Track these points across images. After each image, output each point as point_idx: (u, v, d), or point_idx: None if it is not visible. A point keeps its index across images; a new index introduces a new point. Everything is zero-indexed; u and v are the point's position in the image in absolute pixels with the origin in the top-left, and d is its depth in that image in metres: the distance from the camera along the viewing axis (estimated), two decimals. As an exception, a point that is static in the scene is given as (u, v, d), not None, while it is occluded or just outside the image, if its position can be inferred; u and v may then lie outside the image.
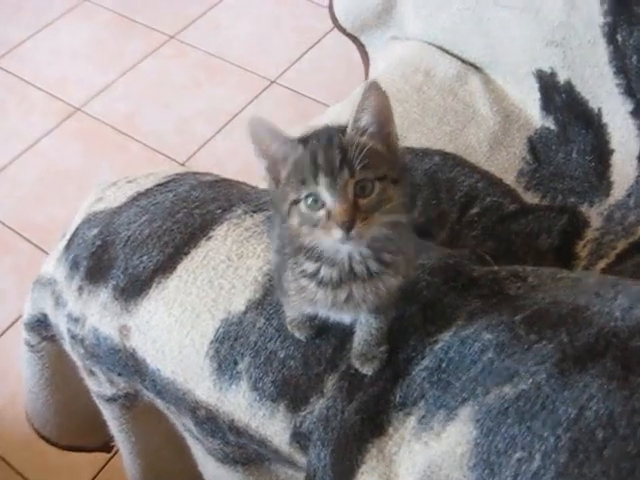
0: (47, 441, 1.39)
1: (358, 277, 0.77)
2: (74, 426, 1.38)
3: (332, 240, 0.72)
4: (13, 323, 1.91)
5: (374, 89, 0.72)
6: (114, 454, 1.61)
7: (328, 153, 0.71)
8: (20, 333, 1.83)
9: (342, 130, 0.73)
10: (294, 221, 0.74)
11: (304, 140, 0.74)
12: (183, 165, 2.24)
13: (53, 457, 1.59)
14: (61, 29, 2.76)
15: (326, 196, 0.71)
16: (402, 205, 0.74)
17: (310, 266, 0.78)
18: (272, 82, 2.49)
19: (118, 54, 2.64)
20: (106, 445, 1.46)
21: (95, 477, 1.67)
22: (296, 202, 0.73)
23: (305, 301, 0.82)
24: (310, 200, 0.72)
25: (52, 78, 2.58)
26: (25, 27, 2.76)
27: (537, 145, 1.43)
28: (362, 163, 0.70)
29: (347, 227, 0.70)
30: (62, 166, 2.29)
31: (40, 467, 1.67)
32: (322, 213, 0.71)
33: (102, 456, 1.61)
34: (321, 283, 0.78)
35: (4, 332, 1.91)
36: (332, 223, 0.71)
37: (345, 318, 0.86)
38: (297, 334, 0.92)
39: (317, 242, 0.74)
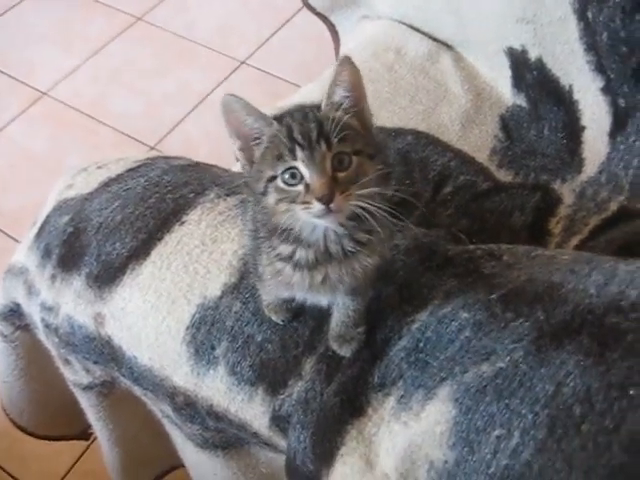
0: (24, 431, 1.38)
1: (334, 258, 0.77)
2: (51, 415, 1.37)
3: (311, 215, 0.71)
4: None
5: (347, 64, 0.72)
6: (92, 441, 1.60)
7: (304, 127, 0.71)
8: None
9: (317, 106, 0.74)
10: (271, 199, 0.73)
11: (278, 118, 0.74)
12: (153, 149, 2.22)
13: (31, 446, 1.57)
14: (25, 12, 2.70)
15: (304, 170, 0.71)
16: (378, 180, 0.73)
17: (285, 249, 0.78)
18: (242, 63, 2.46)
19: (84, 37, 2.59)
20: (84, 433, 1.45)
21: (74, 465, 1.66)
22: (273, 179, 0.72)
23: (281, 285, 0.81)
24: (287, 175, 0.71)
25: (17, 62, 2.52)
26: (-13, 10, 2.70)
27: (509, 123, 1.43)
28: (339, 136, 0.71)
29: (327, 200, 0.69)
30: (30, 152, 2.26)
31: (18, 456, 1.66)
32: (300, 188, 0.71)
33: (80, 444, 1.60)
34: (297, 266, 0.78)
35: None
36: (311, 197, 0.70)
37: (322, 300, 0.86)
38: (274, 317, 0.92)
39: (294, 220, 0.74)
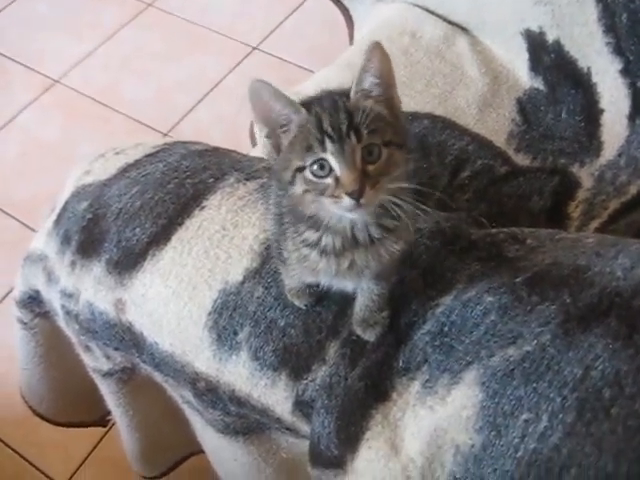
0: (43, 418, 1.38)
1: (360, 244, 0.76)
2: (70, 402, 1.37)
3: (340, 209, 0.70)
4: (1, 301, 1.89)
5: (377, 50, 0.70)
6: (110, 428, 1.61)
7: (334, 118, 0.70)
8: (8, 311, 1.81)
9: (345, 94, 0.72)
10: (298, 189, 0.72)
11: (307, 105, 0.72)
12: (166, 135, 2.21)
13: (48, 433, 1.58)
14: (34, 0, 2.68)
15: (334, 163, 0.69)
16: (406, 174, 0.72)
17: (311, 235, 0.77)
18: (254, 48, 2.45)
19: (94, 24, 2.58)
20: (102, 419, 1.45)
21: (92, 451, 1.66)
22: (301, 169, 0.71)
23: (307, 270, 0.81)
24: (316, 166, 0.70)
25: (29, 50, 2.52)
26: (-1, 0, 2.69)
27: (526, 106, 1.42)
28: (369, 128, 0.69)
29: (357, 195, 0.68)
30: (43, 140, 2.25)
31: (35, 443, 1.66)
32: (330, 180, 0.70)
33: (98, 430, 1.61)
34: (323, 252, 0.77)
35: (-8, 310, 1.88)
36: (340, 191, 0.69)
37: (347, 286, 0.86)
38: (297, 302, 0.92)
39: (321, 210, 0.73)
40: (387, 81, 0.72)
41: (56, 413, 1.39)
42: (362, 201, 0.69)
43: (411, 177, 0.74)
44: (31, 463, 1.66)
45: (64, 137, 2.25)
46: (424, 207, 0.73)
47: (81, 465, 1.65)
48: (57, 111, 2.33)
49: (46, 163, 2.18)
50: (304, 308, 0.92)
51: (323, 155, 0.70)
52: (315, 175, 0.70)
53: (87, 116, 2.30)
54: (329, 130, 0.69)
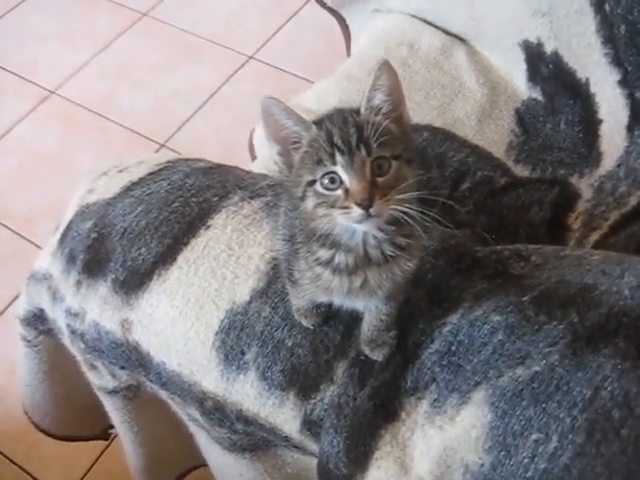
0: (46, 433, 1.38)
1: (373, 262, 0.77)
2: (73, 417, 1.37)
3: (350, 220, 0.71)
4: (-1, 314, 1.89)
5: (386, 68, 0.72)
6: (111, 442, 1.61)
7: (344, 132, 0.71)
8: (7, 325, 1.82)
9: (355, 111, 0.74)
10: (309, 203, 0.73)
11: (318, 122, 0.74)
12: (163, 146, 2.21)
13: (49, 447, 1.59)
14: (28, 11, 2.68)
15: (344, 175, 0.70)
16: (415, 185, 0.73)
17: (324, 253, 0.78)
18: (250, 58, 2.45)
19: (89, 34, 2.57)
20: (104, 433, 1.45)
21: (93, 465, 1.66)
22: (312, 183, 0.72)
23: (320, 289, 0.81)
24: (327, 180, 0.71)
25: (24, 61, 2.51)
26: (-9, 11, 2.68)
27: (525, 117, 1.42)
28: (378, 141, 0.71)
29: (366, 205, 0.69)
30: (39, 151, 2.25)
31: (37, 457, 1.66)
32: (339, 192, 0.71)
33: (99, 444, 1.61)
34: (336, 270, 0.78)
35: (-12, 324, 1.88)
36: (350, 202, 0.70)
37: (359, 305, 0.86)
38: (304, 322, 0.92)
39: (333, 225, 0.74)
40: (396, 98, 0.74)
41: (59, 428, 1.38)
42: (371, 211, 0.70)
43: (420, 188, 0.75)
44: (33, 477, 1.65)
45: (60, 148, 2.25)
46: (434, 214, 0.74)
47: (82, 479, 1.65)
48: (53, 122, 2.32)
49: (43, 174, 2.18)
50: (311, 328, 0.92)
51: (333, 168, 0.71)
52: (326, 188, 0.72)
53: (83, 127, 2.30)
54: (339, 143, 0.71)
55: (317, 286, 0.81)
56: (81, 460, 1.67)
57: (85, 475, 1.66)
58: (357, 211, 0.70)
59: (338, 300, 0.84)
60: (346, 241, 0.76)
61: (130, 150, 2.15)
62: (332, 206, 0.72)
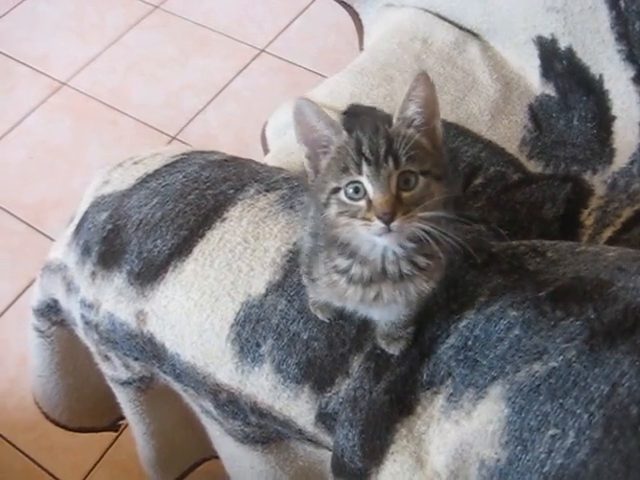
0: (57, 424, 1.39)
1: (389, 278, 0.76)
2: (84, 408, 1.38)
3: (370, 232, 0.70)
4: (9, 306, 1.89)
5: (423, 79, 0.71)
6: (120, 433, 1.62)
7: (373, 142, 0.70)
8: (17, 317, 1.83)
9: (388, 120, 0.72)
10: (332, 211, 0.72)
11: (349, 128, 0.73)
12: (174, 138, 2.21)
13: (59, 438, 1.60)
14: (41, 2, 2.68)
15: (369, 186, 0.69)
16: (442, 204, 0.72)
17: (342, 262, 0.77)
18: (261, 51, 2.45)
19: (101, 26, 2.58)
20: (114, 424, 1.46)
21: (102, 456, 1.67)
22: (336, 190, 0.71)
23: (335, 295, 0.81)
24: (351, 189, 0.70)
25: (35, 52, 2.51)
26: (3, 2, 2.67)
27: (538, 112, 1.42)
28: (407, 155, 0.69)
29: (388, 219, 0.68)
30: (51, 143, 2.25)
31: (46, 448, 1.67)
32: (362, 203, 0.70)
33: (109, 435, 1.62)
34: (351, 280, 0.77)
35: (0, 315, 1.88)
36: (372, 214, 0.69)
37: (373, 315, 0.86)
38: (320, 316, 0.92)
39: (353, 235, 0.73)
40: (430, 111, 0.72)
41: (70, 419, 1.39)
42: (392, 226, 0.69)
43: (448, 208, 0.73)
44: (42, 467, 1.66)
45: (71, 140, 2.25)
46: (459, 239, 0.73)
47: (92, 469, 1.66)
48: (64, 114, 2.33)
49: (53, 166, 2.18)
50: (327, 322, 0.92)
51: (359, 177, 0.70)
52: (349, 197, 0.71)
53: (94, 119, 2.30)
54: (367, 153, 0.70)
55: (332, 292, 0.80)
56: (91, 451, 1.67)
57: (94, 466, 1.66)
58: (378, 224, 0.69)
59: (351, 307, 0.83)
60: (365, 253, 0.75)
61: (141, 143, 2.16)
62: (354, 216, 0.71)
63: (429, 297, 0.82)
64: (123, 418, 1.28)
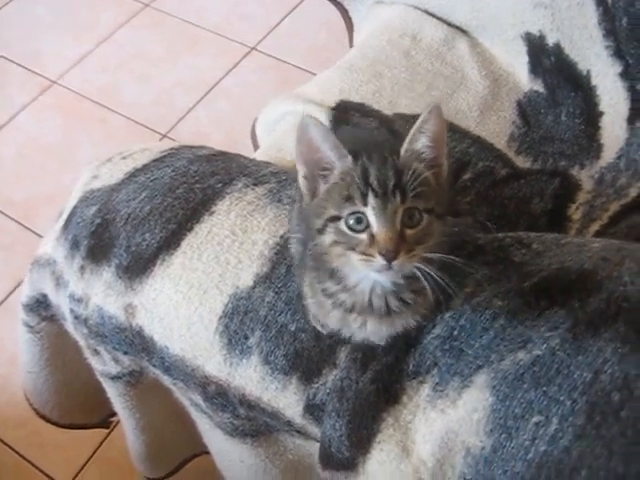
0: (47, 421, 1.39)
1: (375, 312, 0.76)
2: (75, 404, 1.38)
3: (369, 268, 0.69)
4: (0, 304, 1.89)
5: (436, 112, 0.69)
6: (112, 429, 1.62)
7: (382, 173, 0.68)
8: (8, 313, 1.83)
9: (396, 151, 0.71)
10: (327, 239, 0.70)
11: (354, 154, 0.71)
12: (165, 136, 2.21)
13: (50, 435, 1.59)
14: (32, 1, 2.67)
15: (373, 219, 0.68)
16: (443, 244, 0.71)
17: (330, 286, 0.76)
18: (252, 49, 2.45)
19: (92, 25, 2.57)
20: (105, 421, 1.46)
21: (94, 453, 1.67)
22: (335, 219, 0.69)
23: (320, 314, 0.82)
24: (353, 219, 0.68)
25: (26, 51, 2.51)
26: (-6, 0, 2.68)
27: (526, 109, 1.43)
28: (415, 190, 0.68)
29: (390, 257, 0.67)
30: (41, 141, 2.25)
31: (38, 445, 1.67)
32: (364, 236, 0.68)
33: (100, 432, 1.62)
34: (335, 304, 0.77)
35: (-8, 312, 1.88)
36: (374, 250, 0.67)
37: (357, 337, 0.85)
38: (320, 328, 0.91)
39: (345, 265, 0.72)
40: (439, 146, 0.71)
41: (61, 415, 1.39)
42: (394, 264, 0.67)
43: (447, 248, 0.72)
44: (34, 464, 1.66)
45: (62, 138, 2.25)
46: (452, 288, 0.72)
47: (84, 466, 1.66)
48: (55, 112, 2.33)
49: (44, 164, 2.18)
50: (326, 334, 0.91)
51: (363, 209, 0.68)
52: (350, 228, 0.69)
53: (85, 117, 2.30)
54: (374, 184, 0.68)
55: (319, 311, 0.81)
56: (82, 448, 1.68)
57: (86, 463, 1.67)
58: (379, 261, 0.67)
59: (336, 327, 0.83)
60: (352, 284, 0.74)
61: (132, 141, 2.15)
62: (352, 248, 0.69)
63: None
64: (114, 414, 1.28)
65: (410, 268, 0.69)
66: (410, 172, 0.68)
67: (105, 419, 1.45)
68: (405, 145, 0.71)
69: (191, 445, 1.30)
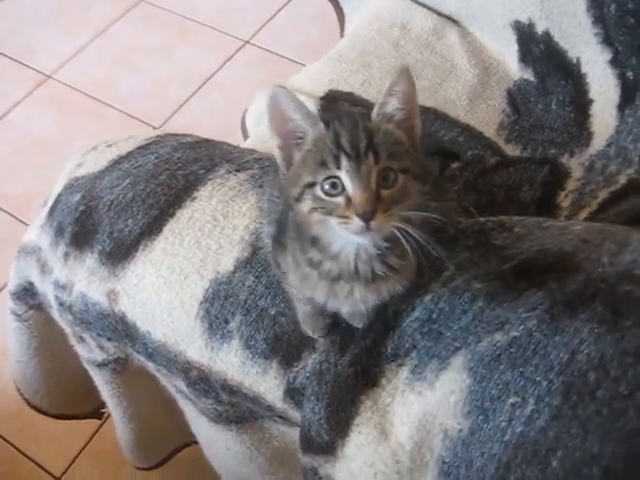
0: (38, 410, 1.39)
1: (361, 278, 0.75)
2: (64, 394, 1.38)
3: (348, 231, 0.68)
4: (-7, 295, 1.89)
5: (405, 75, 0.69)
6: (104, 421, 1.62)
7: (353, 136, 0.68)
8: (2, 305, 1.82)
9: (367, 115, 0.70)
10: (305, 207, 0.69)
11: (326, 120, 0.70)
12: (159, 130, 2.21)
13: (43, 426, 1.59)
14: (24, -3, 2.69)
15: (348, 182, 0.67)
16: (421, 205, 0.70)
17: (316, 255, 0.75)
18: (246, 42, 2.45)
19: (86, 19, 2.58)
20: (97, 411, 1.46)
21: (87, 444, 1.67)
22: (311, 185, 0.69)
23: (306, 287, 0.80)
24: (328, 184, 0.68)
25: (20, 46, 2.51)
26: (-14, -4, 2.69)
27: (516, 97, 1.42)
28: (388, 151, 0.67)
29: (368, 217, 0.66)
30: (36, 135, 2.25)
31: (31, 436, 1.67)
32: (340, 200, 0.67)
33: (93, 423, 1.62)
34: (321, 274, 0.76)
35: (-16, 305, 1.88)
36: (351, 211, 0.67)
37: (342, 309, 0.84)
38: (310, 333, 0.91)
39: (326, 232, 0.71)
40: (410, 108, 0.70)
41: (51, 405, 1.39)
42: (372, 224, 0.66)
43: (425, 208, 0.71)
44: (27, 456, 1.66)
45: (57, 132, 2.25)
46: (434, 247, 0.71)
47: (77, 457, 1.66)
48: (50, 106, 2.33)
49: (39, 158, 2.18)
50: (317, 338, 0.91)
51: (337, 172, 0.67)
52: (326, 193, 0.68)
53: (80, 111, 2.30)
54: (347, 147, 0.67)
55: (303, 285, 0.79)
56: (75, 439, 1.68)
57: (79, 454, 1.67)
58: (357, 223, 0.66)
59: (321, 300, 0.81)
60: (336, 250, 0.73)
61: (126, 134, 2.15)
62: (330, 213, 0.68)
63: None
64: (105, 405, 1.28)
65: (389, 228, 0.68)
66: (381, 133, 0.68)
67: (97, 409, 1.45)
68: (376, 109, 0.70)
69: (180, 434, 1.30)
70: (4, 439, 1.68)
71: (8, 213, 2.06)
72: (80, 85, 2.37)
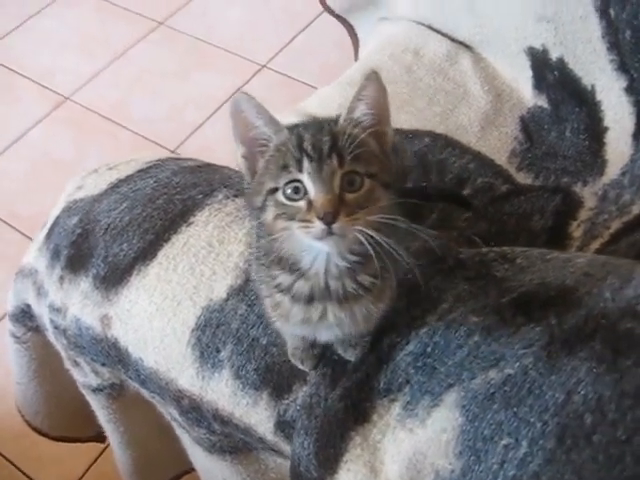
0: (39, 432, 1.38)
1: (333, 296, 0.72)
2: (65, 416, 1.37)
3: (310, 235, 0.65)
4: (4, 316, 1.89)
5: (373, 79, 0.67)
6: (108, 444, 1.60)
7: (316, 139, 0.66)
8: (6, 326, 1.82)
9: (334, 120, 0.69)
10: (269, 215, 0.67)
11: (291, 127, 0.69)
12: (173, 152, 2.21)
13: (46, 448, 1.57)
14: (47, 18, 2.71)
15: (309, 184, 0.65)
16: (390, 211, 0.67)
17: (285, 279, 0.73)
18: (262, 67, 2.45)
19: (106, 42, 2.60)
20: (99, 435, 1.44)
21: (90, 467, 1.65)
22: (273, 191, 0.66)
23: (280, 317, 0.77)
24: (290, 189, 0.65)
25: (40, 67, 2.53)
26: (11, 17, 2.71)
27: (529, 124, 1.40)
28: (353, 153, 0.65)
29: (329, 220, 0.63)
30: (52, 156, 2.26)
31: (34, 458, 1.66)
32: (302, 204, 0.65)
33: (96, 446, 1.59)
34: (295, 298, 0.73)
35: (-4, 324, 1.88)
36: (312, 215, 0.64)
37: (320, 337, 0.81)
38: (300, 366, 0.88)
39: (292, 244, 0.68)
40: (380, 113, 0.68)
41: (51, 427, 1.38)
42: (334, 228, 0.63)
43: (395, 213, 0.68)
44: (30, 477, 1.65)
45: (73, 153, 2.26)
46: (400, 253, 0.67)
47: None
48: (67, 128, 2.34)
49: (55, 179, 2.17)
50: (307, 371, 0.88)
51: (298, 175, 0.65)
52: (288, 197, 0.66)
53: (96, 132, 2.31)
54: (309, 149, 0.65)
55: (277, 314, 0.76)
56: (78, 461, 1.66)
57: (82, 477, 1.65)
58: (318, 226, 0.64)
59: (297, 329, 0.79)
60: (306, 266, 0.71)
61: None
62: (292, 218, 0.65)
63: (385, 314, 0.78)
64: (105, 429, 1.27)
65: (352, 232, 0.65)
66: (347, 136, 0.66)
67: (99, 433, 1.43)
68: (344, 114, 0.68)
69: (179, 461, 1.27)
70: (8, 460, 1.67)
71: (20, 232, 2.07)
72: (97, 107, 2.38)
